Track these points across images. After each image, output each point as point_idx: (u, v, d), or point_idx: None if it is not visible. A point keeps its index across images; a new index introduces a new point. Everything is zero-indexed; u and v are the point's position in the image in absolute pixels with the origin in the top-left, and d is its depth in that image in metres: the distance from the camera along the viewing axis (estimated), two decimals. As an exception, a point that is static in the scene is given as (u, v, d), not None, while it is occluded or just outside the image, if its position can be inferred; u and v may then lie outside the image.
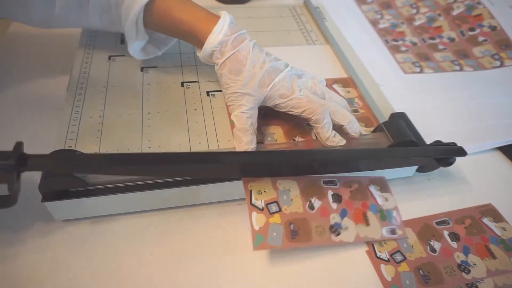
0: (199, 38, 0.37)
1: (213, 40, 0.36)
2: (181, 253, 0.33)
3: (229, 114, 0.39)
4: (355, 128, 0.37)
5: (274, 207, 0.33)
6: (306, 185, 0.36)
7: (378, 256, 0.34)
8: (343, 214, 0.35)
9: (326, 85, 0.41)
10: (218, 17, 0.37)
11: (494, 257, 0.35)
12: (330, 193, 0.36)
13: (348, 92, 0.45)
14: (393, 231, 0.35)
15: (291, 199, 0.34)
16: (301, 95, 0.36)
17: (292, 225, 0.33)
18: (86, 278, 0.31)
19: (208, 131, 0.38)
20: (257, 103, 0.37)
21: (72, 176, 0.31)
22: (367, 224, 0.35)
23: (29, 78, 0.47)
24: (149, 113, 0.40)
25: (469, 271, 0.34)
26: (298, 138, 0.39)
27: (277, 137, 0.39)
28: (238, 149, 0.35)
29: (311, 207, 0.34)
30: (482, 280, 0.33)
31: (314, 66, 0.48)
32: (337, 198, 0.36)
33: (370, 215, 0.36)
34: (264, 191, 0.34)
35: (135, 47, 0.42)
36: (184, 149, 0.36)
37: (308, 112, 0.36)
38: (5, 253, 0.32)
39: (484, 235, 0.37)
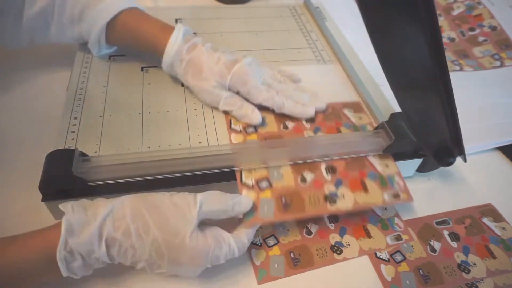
0: (159, 50, 0.40)
1: (169, 50, 0.39)
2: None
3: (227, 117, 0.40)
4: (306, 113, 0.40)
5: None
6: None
7: (378, 256, 0.34)
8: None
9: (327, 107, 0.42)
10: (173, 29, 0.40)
11: (494, 257, 0.35)
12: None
13: (360, 118, 0.41)
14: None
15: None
16: (259, 83, 0.39)
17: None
18: (85, 278, 0.31)
19: (208, 131, 0.38)
20: (229, 88, 0.39)
21: (72, 176, 0.31)
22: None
23: (30, 78, 0.48)
24: (149, 112, 0.40)
25: (469, 271, 0.34)
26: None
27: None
28: (253, 121, 0.38)
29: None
30: (482, 280, 0.33)
31: (322, 87, 0.44)
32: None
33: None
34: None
35: (102, 54, 0.46)
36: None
37: (267, 103, 0.39)
38: (5, 252, 0.32)
39: (484, 235, 0.37)
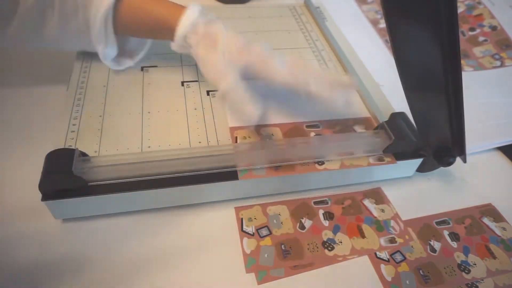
0: (173, 27, 0.37)
1: (185, 21, 0.36)
2: (181, 252, 0.33)
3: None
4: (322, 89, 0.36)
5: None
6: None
7: (378, 256, 0.34)
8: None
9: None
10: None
11: (494, 257, 0.35)
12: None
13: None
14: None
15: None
16: (281, 61, 0.36)
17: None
18: (86, 277, 0.31)
19: (208, 131, 0.38)
20: (241, 73, 0.35)
21: (72, 175, 0.31)
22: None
23: (30, 77, 0.48)
24: (149, 112, 0.40)
25: (469, 271, 0.34)
26: (306, 221, 0.37)
27: (283, 220, 0.37)
28: (245, 123, 0.33)
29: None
30: (482, 280, 0.33)
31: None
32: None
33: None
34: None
35: (107, 54, 0.41)
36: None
37: (289, 79, 0.35)
38: (4, 253, 0.32)
39: (484, 235, 0.37)
